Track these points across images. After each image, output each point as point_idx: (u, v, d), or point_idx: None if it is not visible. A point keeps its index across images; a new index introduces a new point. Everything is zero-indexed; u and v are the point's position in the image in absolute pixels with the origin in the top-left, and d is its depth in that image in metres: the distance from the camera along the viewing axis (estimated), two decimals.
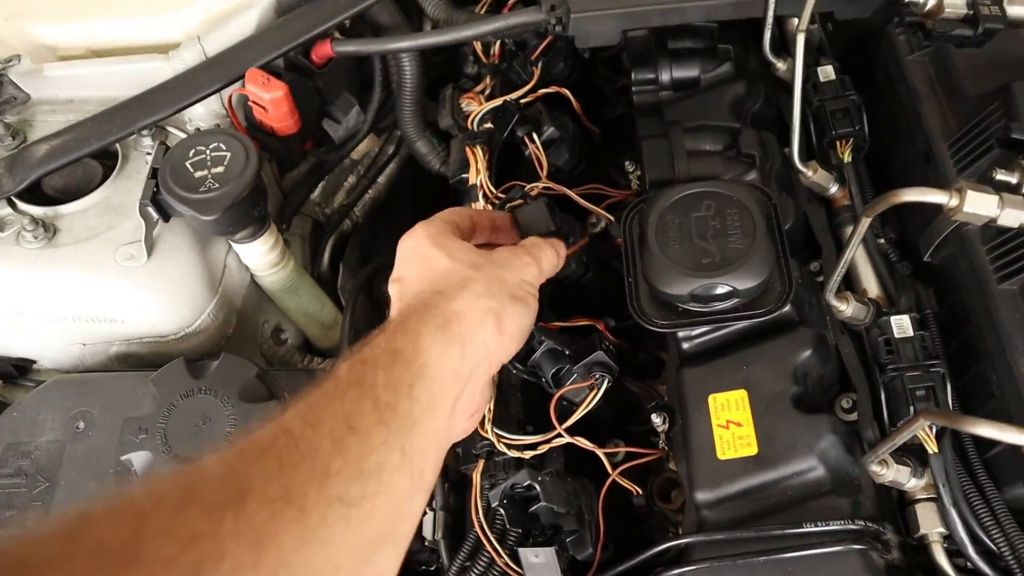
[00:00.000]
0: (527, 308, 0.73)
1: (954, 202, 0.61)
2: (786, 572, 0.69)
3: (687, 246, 0.77)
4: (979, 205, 0.61)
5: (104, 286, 0.88)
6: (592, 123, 1.10)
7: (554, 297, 0.91)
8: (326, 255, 1.12)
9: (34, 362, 0.97)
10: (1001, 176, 0.66)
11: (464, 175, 1.03)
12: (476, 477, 0.85)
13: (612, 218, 0.96)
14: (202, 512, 0.42)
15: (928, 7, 0.75)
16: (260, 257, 0.95)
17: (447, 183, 1.09)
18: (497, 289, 0.71)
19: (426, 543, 0.90)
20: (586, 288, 0.95)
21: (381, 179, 1.19)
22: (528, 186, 0.96)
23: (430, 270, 0.72)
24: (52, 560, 0.38)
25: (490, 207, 0.97)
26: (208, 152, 0.87)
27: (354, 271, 1.11)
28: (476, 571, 0.82)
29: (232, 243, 0.94)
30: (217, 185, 0.85)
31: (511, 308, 0.71)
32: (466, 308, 0.68)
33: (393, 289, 0.74)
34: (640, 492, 0.84)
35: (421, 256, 0.73)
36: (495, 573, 0.82)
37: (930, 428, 0.72)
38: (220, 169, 0.86)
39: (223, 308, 0.94)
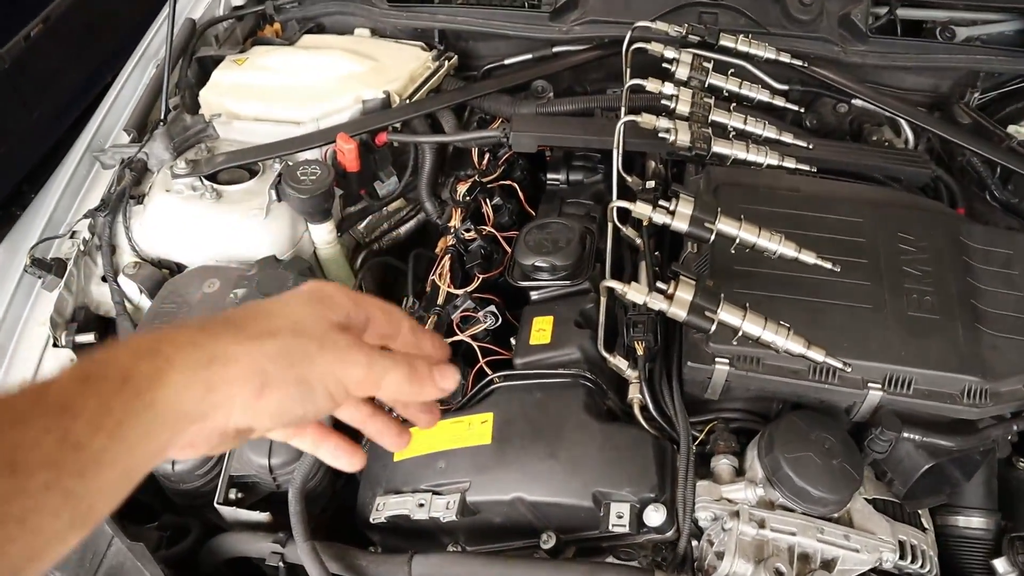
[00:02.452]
0: (306, 400, 0.68)
1: (633, 208, 1.32)
2: (546, 392, 1.34)
3: (539, 245, 1.49)
4: (644, 209, 1.32)
5: (240, 225, 1.63)
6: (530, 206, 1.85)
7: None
8: (359, 261, 1.86)
9: (185, 266, 1.71)
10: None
11: (448, 224, 1.78)
12: None
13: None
14: None
15: (672, 141, 1.49)
16: (323, 235, 1.70)
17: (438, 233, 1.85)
18: (291, 363, 0.66)
19: None
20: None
21: (402, 229, 1.95)
22: (476, 228, 1.71)
23: (267, 307, 0.70)
24: None
25: (451, 244, 1.69)
26: (309, 168, 1.64)
27: (372, 268, 1.84)
28: None
29: (309, 223, 1.69)
30: (310, 184, 1.62)
31: (287, 389, 0.66)
32: (242, 357, 0.64)
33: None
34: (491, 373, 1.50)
35: (286, 297, 0.72)
36: None
37: (640, 343, 1.39)
38: (314, 177, 1.63)
39: (295, 256, 1.68)
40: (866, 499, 1.30)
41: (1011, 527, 1.45)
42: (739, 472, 1.30)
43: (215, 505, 1.36)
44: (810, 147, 1.60)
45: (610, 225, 1.40)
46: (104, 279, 1.67)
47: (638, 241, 1.56)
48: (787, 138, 1.58)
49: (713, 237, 1.31)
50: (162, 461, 0.69)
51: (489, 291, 1.62)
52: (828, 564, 1.22)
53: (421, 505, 1.30)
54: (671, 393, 1.36)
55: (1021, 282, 1.44)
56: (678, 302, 1.22)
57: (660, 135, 1.50)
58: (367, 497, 1.37)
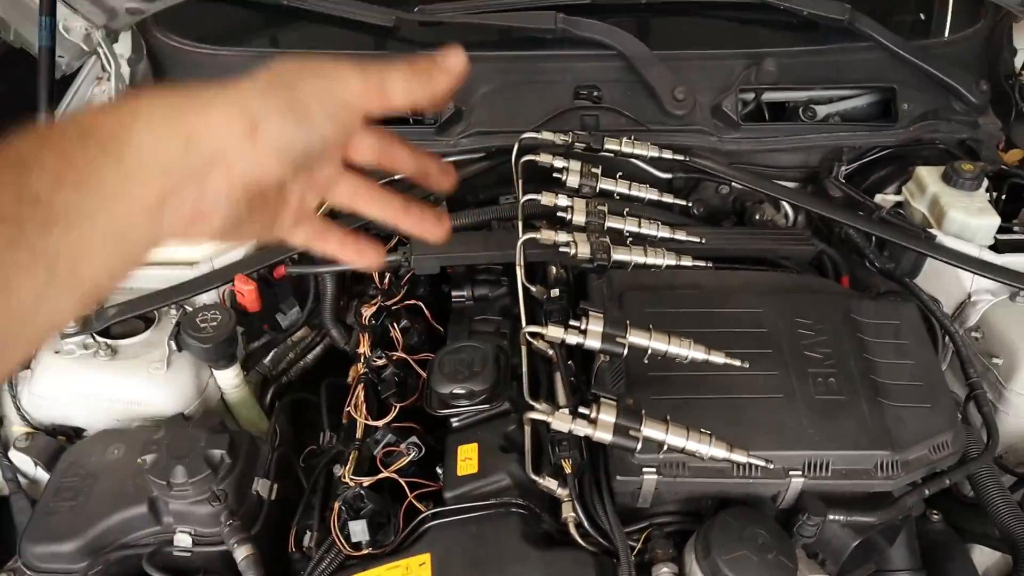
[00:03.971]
0: (306, 126, 0.63)
1: (544, 331, 1.34)
2: (481, 524, 1.32)
3: (454, 371, 1.49)
4: (556, 332, 1.34)
5: (140, 384, 1.57)
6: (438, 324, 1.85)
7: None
8: (268, 396, 1.81)
9: (85, 430, 1.62)
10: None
11: (357, 350, 1.76)
12: (336, 505, 1.47)
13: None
14: None
15: (573, 255, 1.53)
16: (229, 380, 1.65)
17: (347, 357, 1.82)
18: (276, 93, 0.62)
19: (304, 551, 1.50)
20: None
21: (310, 357, 1.91)
22: (386, 354, 1.69)
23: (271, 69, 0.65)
24: None
25: (363, 372, 1.67)
26: (209, 314, 1.60)
27: (284, 407, 1.79)
28: (329, 557, 1.43)
29: (214, 369, 1.64)
30: (212, 331, 1.57)
31: (282, 119, 0.62)
32: (220, 101, 0.60)
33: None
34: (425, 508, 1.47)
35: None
36: (340, 556, 1.42)
37: (567, 461, 1.39)
38: (215, 323, 1.58)
39: (202, 406, 1.62)
40: None
41: None
42: None
43: None
44: (703, 241, 1.66)
45: (524, 349, 1.42)
46: None
47: (551, 353, 1.58)
48: (680, 235, 1.65)
49: (626, 351, 1.34)
50: (174, 232, 0.61)
51: (408, 419, 1.60)
52: None
53: None
54: (603, 506, 1.36)
55: (911, 349, 1.53)
56: (602, 425, 1.23)
57: (560, 248, 1.53)
58: None
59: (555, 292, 1.67)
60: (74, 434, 1.61)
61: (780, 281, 1.68)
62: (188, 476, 1.36)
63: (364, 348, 1.72)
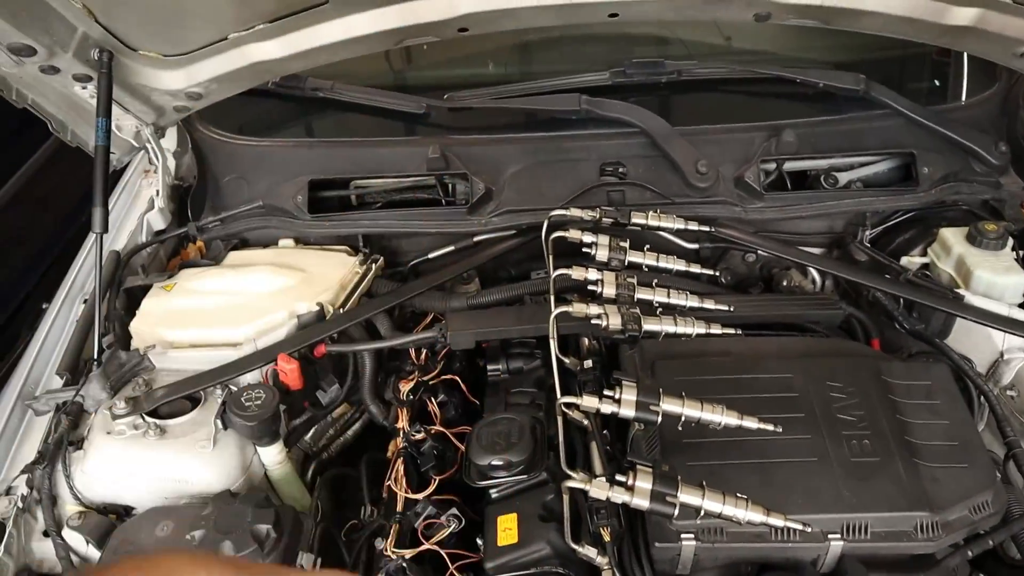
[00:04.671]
0: None
1: (582, 402, 1.37)
2: None
3: (490, 442, 1.52)
4: (591, 402, 1.37)
5: (187, 461, 1.61)
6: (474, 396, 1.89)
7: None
8: (310, 472, 1.84)
9: (134, 508, 1.66)
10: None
11: (395, 424, 1.80)
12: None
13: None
14: None
15: (604, 326, 1.57)
16: (273, 457, 1.69)
17: (384, 430, 1.86)
18: None
19: None
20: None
21: (350, 432, 1.95)
22: (425, 428, 1.73)
23: None
24: None
25: (402, 446, 1.71)
26: (253, 393, 1.65)
27: (326, 482, 1.83)
28: None
29: (258, 447, 1.68)
30: (256, 409, 1.62)
31: None
32: None
33: None
34: None
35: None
36: None
37: (606, 529, 1.41)
38: (259, 402, 1.64)
39: (247, 483, 1.66)
40: None
41: None
42: None
43: None
44: (731, 309, 1.70)
45: (559, 419, 1.45)
46: (46, 534, 1.61)
47: (585, 423, 1.61)
48: (709, 304, 1.68)
49: (660, 419, 1.37)
50: None
51: (447, 491, 1.62)
52: None
53: None
54: (643, 574, 1.37)
55: (945, 409, 1.54)
56: (639, 492, 1.26)
57: (592, 321, 1.57)
58: None
59: (588, 363, 1.71)
60: (124, 512, 1.65)
61: (810, 345, 1.71)
62: (236, 550, 1.39)
63: (403, 423, 1.76)
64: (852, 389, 1.54)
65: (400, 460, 1.68)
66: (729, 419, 1.38)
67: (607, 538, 1.38)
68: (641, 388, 1.38)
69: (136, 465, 1.63)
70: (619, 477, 1.27)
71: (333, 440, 1.91)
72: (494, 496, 1.52)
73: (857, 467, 1.41)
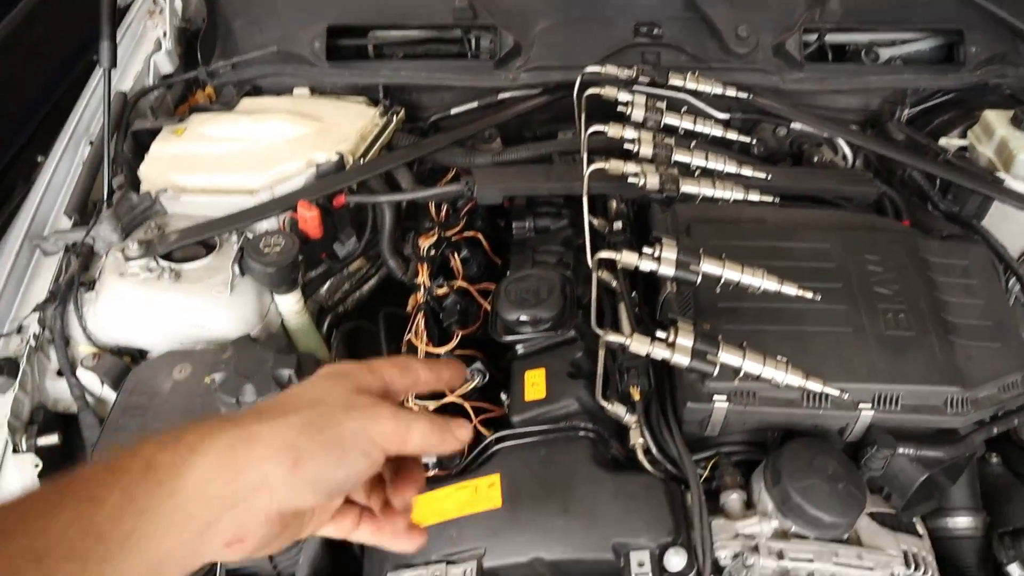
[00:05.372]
0: (342, 462, 0.67)
1: (617, 257, 1.33)
2: (550, 447, 1.33)
3: (519, 297, 1.48)
4: (630, 258, 1.33)
5: (203, 306, 1.57)
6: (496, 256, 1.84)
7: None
8: (325, 325, 1.81)
9: (148, 352, 1.63)
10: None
11: (415, 280, 1.76)
12: None
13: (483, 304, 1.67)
14: None
15: (641, 186, 1.51)
16: (290, 306, 1.65)
17: (405, 286, 1.82)
18: (318, 430, 0.66)
19: None
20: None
21: (365, 287, 1.91)
22: (448, 283, 1.69)
23: (287, 393, 0.72)
24: None
25: (423, 301, 1.68)
26: (272, 240, 1.60)
27: (343, 334, 1.80)
28: None
29: (275, 295, 1.64)
30: (275, 256, 1.57)
31: (321, 455, 0.66)
32: (267, 435, 0.65)
33: None
34: (488, 434, 1.48)
35: (304, 383, 0.74)
36: None
37: (635, 388, 1.39)
38: (278, 249, 1.58)
39: (264, 331, 1.62)
40: (868, 514, 1.33)
41: (996, 522, 1.52)
42: (748, 505, 1.32)
43: None
44: (768, 178, 1.64)
45: (595, 276, 1.40)
46: (60, 373, 1.58)
47: (614, 284, 1.57)
48: (746, 171, 1.63)
49: (699, 279, 1.33)
50: (211, 556, 0.66)
51: (469, 347, 1.60)
52: None
53: None
54: (671, 434, 1.36)
55: (981, 290, 1.51)
56: (680, 349, 1.23)
57: (630, 179, 1.51)
58: (375, 570, 1.33)
59: (618, 225, 1.66)
60: (139, 355, 1.62)
61: (846, 219, 1.66)
62: (257, 394, 1.37)
63: (423, 278, 1.72)
64: (889, 264, 1.50)
65: (421, 314, 1.65)
66: (769, 283, 1.34)
67: (636, 397, 1.37)
68: (681, 247, 1.33)
69: (150, 308, 1.59)
70: (659, 334, 1.24)
71: (348, 295, 1.88)
72: (520, 352, 1.49)
73: (892, 340, 1.38)
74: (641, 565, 1.21)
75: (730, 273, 1.34)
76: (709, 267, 1.34)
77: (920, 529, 1.39)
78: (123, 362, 1.57)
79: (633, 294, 1.58)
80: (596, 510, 1.26)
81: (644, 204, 1.71)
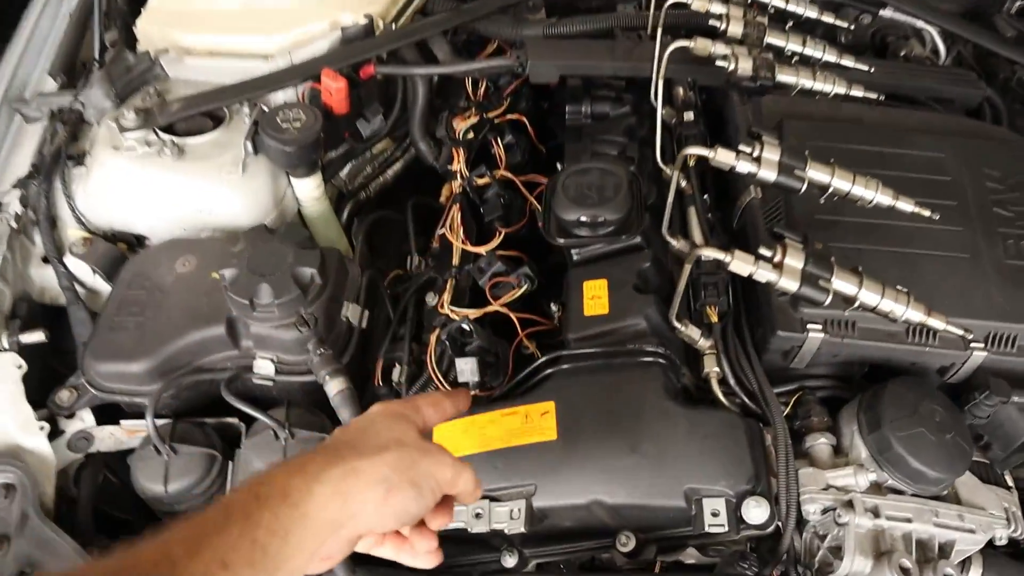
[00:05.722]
0: (419, 499, 0.80)
1: (712, 154, 1.11)
2: (615, 373, 1.15)
3: (579, 194, 1.27)
4: (726, 157, 1.12)
5: (210, 188, 1.36)
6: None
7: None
8: (346, 212, 1.60)
9: (147, 239, 1.42)
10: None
11: (449, 166, 1.54)
12: (432, 338, 1.30)
13: (540, 208, 1.46)
14: None
15: (731, 70, 1.28)
16: (309, 191, 1.44)
17: (436, 173, 1.60)
18: (404, 468, 0.78)
19: (394, 385, 1.34)
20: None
21: (390, 172, 1.69)
22: (490, 172, 1.47)
23: (364, 429, 0.84)
24: None
25: (459, 191, 1.46)
26: (291, 114, 1.37)
27: (365, 227, 1.59)
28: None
29: (293, 178, 1.42)
30: (295, 133, 1.35)
31: (406, 490, 0.78)
32: (367, 469, 0.76)
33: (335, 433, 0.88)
34: (536, 352, 1.30)
35: (372, 419, 0.87)
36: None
37: (713, 308, 1.21)
38: (298, 124, 1.36)
39: (279, 218, 1.42)
40: None
41: None
42: (836, 451, 1.15)
43: None
44: (871, 71, 1.41)
45: (675, 175, 1.19)
46: (46, 260, 1.38)
47: (684, 184, 1.37)
48: (847, 61, 1.39)
49: (804, 187, 1.12)
50: (311, 570, 0.76)
51: (512, 247, 1.40)
52: (944, 549, 1.09)
53: (479, 515, 1.11)
54: (750, 363, 1.19)
55: None
56: (788, 271, 1.03)
57: (717, 63, 1.28)
58: None
59: (688, 116, 1.44)
60: (135, 242, 1.41)
61: (959, 125, 1.43)
62: (274, 296, 1.17)
63: (459, 164, 1.51)
64: (1011, 181, 1.29)
65: (457, 206, 1.44)
66: (883, 197, 1.14)
67: (714, 319, 1.19)
68: (786, 148, 1.12)
69: (149, 188, 1.38)
70: (764, 252, 1.04)
71: (371, 179, 1.66)
72: (576, 258, 1.30)
73: (1012, 271, 1.19)
74: (715, 515, 1.05)
75: (840, 182, 1.13)
76: (817, 174, 1.13)
77: (1008, 480, 1.23)
78: (118, 250, 1.37)
79: (705, 197, 1.38)
80: (668, 450, 1.09)
81: (711, 92, 1.48)
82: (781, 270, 1.02)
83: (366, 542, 0.86)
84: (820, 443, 1.14)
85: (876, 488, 1.10)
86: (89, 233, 1.38)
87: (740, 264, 1.03)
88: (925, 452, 1.07)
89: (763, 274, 1.03)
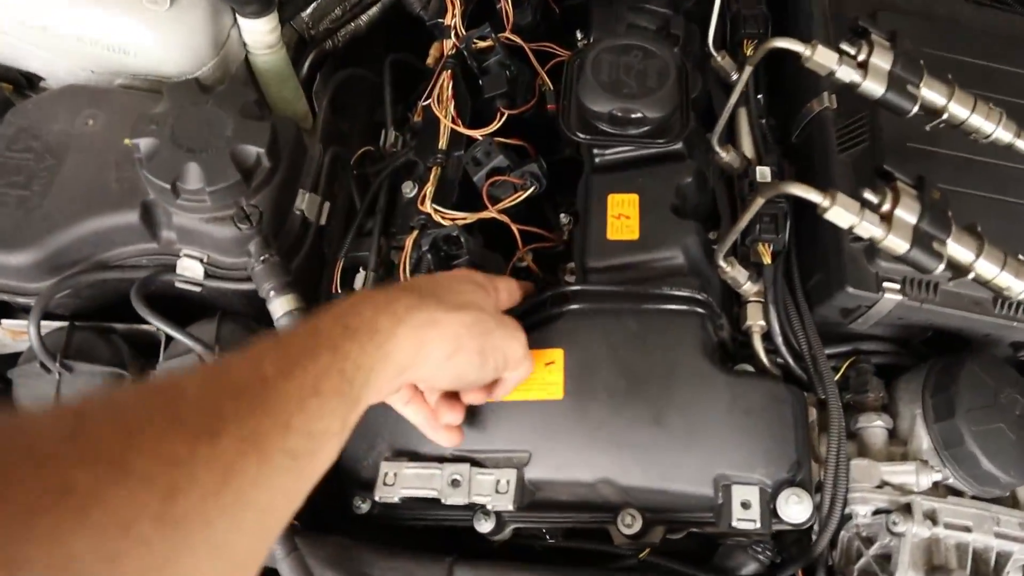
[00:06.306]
0: (482, 367, 0.79)
1: (808, 51, 0.84)
2: (643, 320, 0.91)
3: (614, 78, 0.99)
4: (827, 57, 0.84)
5: (127, 20, 1.03)
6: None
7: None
8: (306, 65, 1.28)
9: (42, 79, 1.10)
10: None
11: (440, 19, 1.22)
12: (408, 241, 1.03)
13: (551, 86, 1.17)
14: (183, 438, 0.45)
15: None
16: (262, 36, 1.11)
17: (422, 26, 1.28)
18: (478, 332, 0.76)
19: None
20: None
21: (364, 17, 1.35)
22: (494, 34, 1.16)
23: (448, 285, 0.80)
24: (52, 457, 0.40)
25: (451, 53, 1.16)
26: None
27: (327, 82, 1.28)
28: None
29: (240, 17, 1.10)
30: None
31: (471, 356, 0.76)
32: (446, 323, 0.73)
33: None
34: (538, 271, 1.05)
35: (456, 277, 0.85)
36: None
37: (767, 246, 0.97)
38: None
39: (219, 69, 1.10)
40: None
41: None
42: (891, 433, 0.96)
43: None
44: None
45: (744, 73, 0.91)
46: None
47: (734, 76, 1.09)
48: None
49: (915, 108, 0.86)
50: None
51: (515, 133, 1.12)
52: (999, 562, 0.92)
53: (456, 483, 0.89)
54: (801, 319, 0.96)
55: None
56: (898, 227, 0.78)
57: None
58: (360, 450, 0.95)
59: None
60: (26, 84, 1.08)
61: None
62: (207, 182, 0.89)
63: (455, 19, 1.19)
64: None
65: (448, 74, 1.14)
66: (1004, 132, 0.89)
67: (767, 259, 0.95)
68: (900, 55, 0.85)
69: (46, 13, 1.03)
70: (870, 197, 0.79)
71: (340, 24, 1.32)
72: (599, 162, 1.03)
73: None
74: (746, 506, 0.85)
75: (957, 107, 0.88)
76: (932, 93, 0.87)
77: None
78: (1, 90, 1.04)
79: (759, 96, 1.11)
80: (700, 425, 0.87)
81: None
82: (890, 224, 0.78)
83: (401, 395, 0.83)
84: (875, 426, 0.94)
85: (934, 488, 0.92)
86: None
87: (841, 212, 0.78)
88: (1002, 453, 0.88)
89: (868, 228, 0.78)
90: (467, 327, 0.75)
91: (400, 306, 0.70)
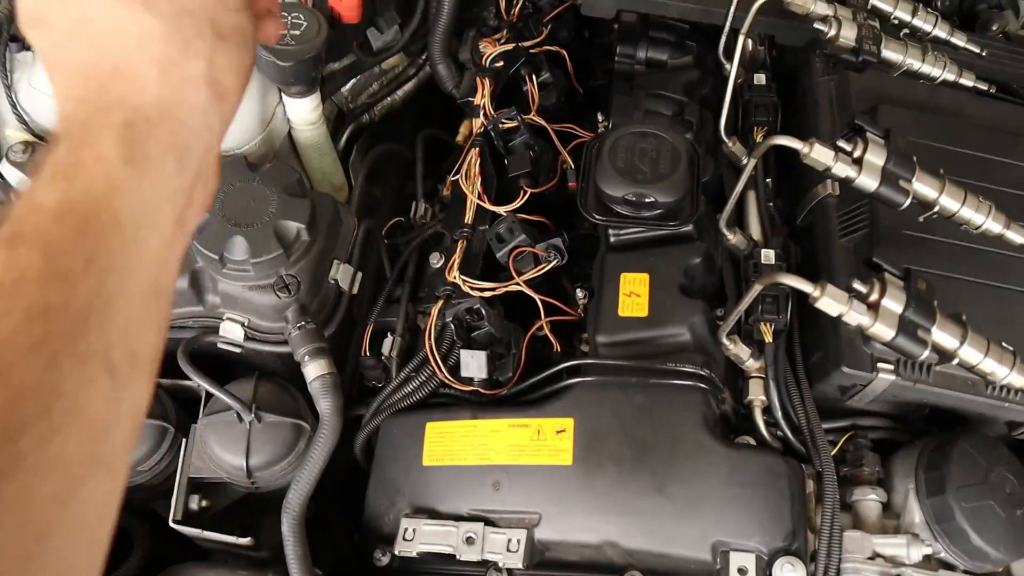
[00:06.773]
0: (244, 46, 0.56)
1: (806, 149, 0.91)
2: (650, 394, 0.98)
3: (629, 164, 1.06)
4: (823, 155, 0.91)
5: None
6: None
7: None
8: (344, 137, 1.37)
9: None
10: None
11: (470, 98, 1.31)
12: (434, 311, 1.10)
13: (572, 164, 1.25)
14: None
15: (830, 36, 1.06)
16: (305, 113, 1.21)
17: (453, 103, 1.37)
18: (198, 35, 0.52)
19: (382, 358, 1.15)
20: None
21: (399, 92, 1.45)
22: (519, 115, 1.25)
23: (88, 21, 0.50)
24: None
25: (479, 132, 1.24)
26: (290, 18, 1.12)
27: (363, 155, 1.37)
28: (419, 380, 1.08)
29: (286, 96, 1.19)
30: (293, 43, 1.11)
31: (224, 56, 0.53)
32: (169, 94, 0.50)
33: (32, 37, 0.52)
34: (557, 344, 1.12)
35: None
36: (434, 382, 1.08)
37: (768, 325, 1.03)
38: (297, 32, 1.12)
39: (264, 145, 1.19)
40: None
41: None
42: (884, 506, 1.00)
43: (172, 525, 0.97)
44: (983, 53, 1.19)
45: (750, 162, 0.98)
46: None
47: (744, 160, 1.16)
48: (959, 40, 1.17)
49: (908, 202, 0.93)
50: (188, 233, 0.55)
51: (538, 210, 1.20)
52: None
53: (471, 541, 0.95)
54: (801, 395, 1.02)
55: None
56: (884, 315, 0.85)
57: (815, 25, 1.06)
58: (382, 506, 1.01)
59: (760, 78, 1.22)
60: None
61: None
62: (251, 254, 0.97)
63: (484, 98, 1.28)
64: None
65: (476, 152, 1.22)
66: (993, 224, 0.95)
67: (768, 338, 1.01)
68: (892, 151, 0.92)
69: None
70: (858, 287, 0.85)
71: (376, 99, 1.42)
72: (613, 241, 1.10)
73: None
74: (743, 573, 0.90)
75: (948, 201, 0.94)
76: (924, 187, 0.93)
77: None
78: None
79: (767, 180, 1.18)
80: (700, 496, 0.93)
81: (787, 50, 1.26)
82: (876, 313, 0.84)
83: None
84: (869, 499, 0.99)
85: (927, 561, 0.96)
86: (32, 136, 1.14)
87: (830, 303, 0.84)
88: (991, 529, 0.92)
89: (856, 316, 0.84)
90: (182, 62, 0.52)
91: (86, 154, 0.46)
